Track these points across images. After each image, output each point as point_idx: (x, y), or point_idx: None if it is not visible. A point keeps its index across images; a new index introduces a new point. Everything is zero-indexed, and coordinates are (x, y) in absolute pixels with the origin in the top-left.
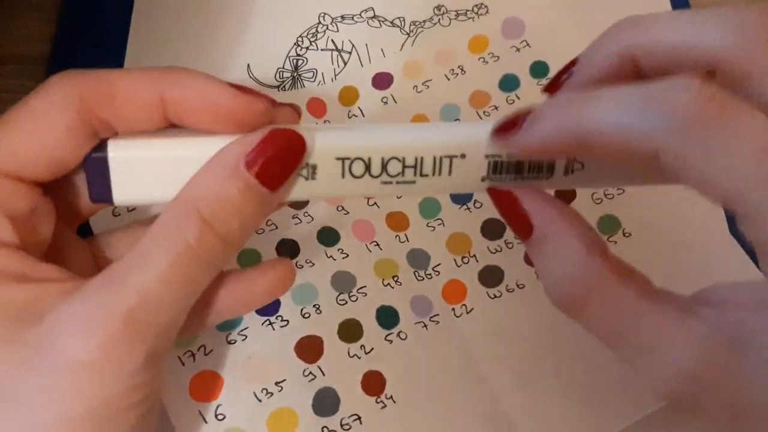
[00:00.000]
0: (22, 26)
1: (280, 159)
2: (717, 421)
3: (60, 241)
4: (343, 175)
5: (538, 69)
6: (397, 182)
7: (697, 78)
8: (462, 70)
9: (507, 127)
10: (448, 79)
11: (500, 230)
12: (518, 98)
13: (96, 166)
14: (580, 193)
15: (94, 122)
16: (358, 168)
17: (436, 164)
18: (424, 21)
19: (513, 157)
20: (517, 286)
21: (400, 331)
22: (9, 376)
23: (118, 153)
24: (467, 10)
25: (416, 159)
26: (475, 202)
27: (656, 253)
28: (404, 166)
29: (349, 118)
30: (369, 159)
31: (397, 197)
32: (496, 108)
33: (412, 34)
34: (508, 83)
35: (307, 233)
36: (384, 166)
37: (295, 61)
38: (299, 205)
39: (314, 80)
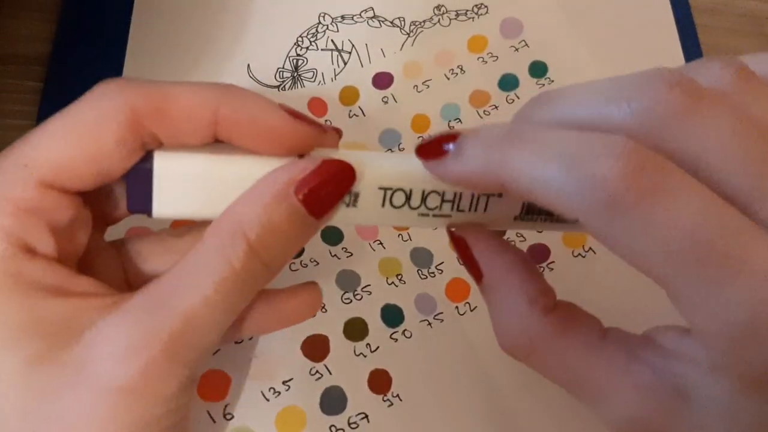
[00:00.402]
0: (22, 26)
1: (329, 188)
2: None
3: (91, 248)
4: (383, 205)
5: (537, 68)
6: (434, 215)
7: (630, 142)
8: (462, 69)
9: (430, 151)
10: (448, 79)
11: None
12: (518, 97)
13: (139, 177)
14: None
15: (143, 135)
16: (399, 199)
17: (474, 201)
18: (424, 21)
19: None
20: None
21: (405, 330)
22: (45, 397)
23: (163, 165)
24: (467, 10)
25: (455, 194)
26: None
27: None
28: (443, 200)
29: (350, 117)
30: (410, 191)
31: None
32: (496, 107)
33: (412, 34)
34: (508, 83)
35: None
36: (424, 199)
37: (295, 61)
38: None
39: (314, 80)
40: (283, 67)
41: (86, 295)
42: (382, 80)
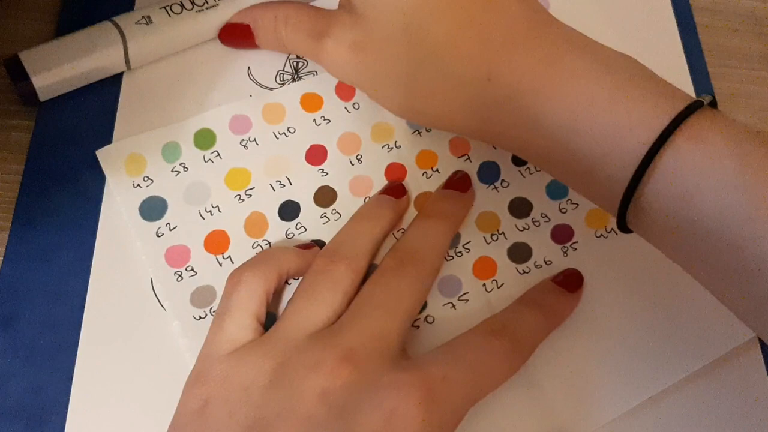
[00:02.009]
0: (22, 26)
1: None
2: None
3: None
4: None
5: None
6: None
7: None
8: None
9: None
10: None
11: (527, 209)
12: None
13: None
14: None
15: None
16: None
17: None
18: None
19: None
20: (545, 262)
21: (428, 316)
22: None
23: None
24: None
25: None
26: (502, 182)
27: None
28: None
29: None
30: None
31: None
32: None
33: None
34: None
35: (335, 232)
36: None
37: (295, 63)
38: (327, 202)
39: None
40: (283, 70)
41: None
42: None
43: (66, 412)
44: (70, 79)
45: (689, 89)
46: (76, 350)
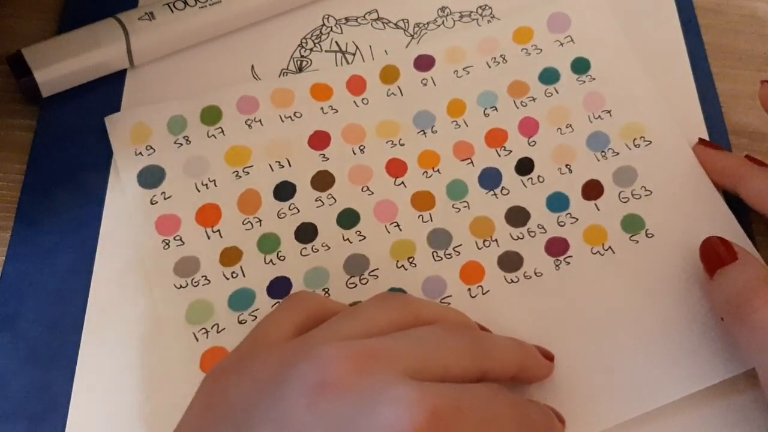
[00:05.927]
0: (25, 25)
1: None
2: None
3: None
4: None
5: (580, 65)
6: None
7: None
8: (504, 59)
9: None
10: (489, 67)
11: (524, 218)
12: (557, 92)
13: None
14: (607, 189)
15: None
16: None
17: None
18: (428, 23)
19: None
20: (535, 274)
21: None
22: None
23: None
24: (471, 12)
25: None
26: (502, 189)
27: (676, 256)
28: None
29: (388, 96)
30: None
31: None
32: (534, 99)
33: (416, 35)
34: (549, 76)
35: (327, 216)
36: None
37: (299, 62)
38: (323, 186)
39: None
40: (287, 69)
41: None
42: (424, 62)
43: (67, 412)
44: (72, 75)
45: (692, 90)
46: (78, 350)
